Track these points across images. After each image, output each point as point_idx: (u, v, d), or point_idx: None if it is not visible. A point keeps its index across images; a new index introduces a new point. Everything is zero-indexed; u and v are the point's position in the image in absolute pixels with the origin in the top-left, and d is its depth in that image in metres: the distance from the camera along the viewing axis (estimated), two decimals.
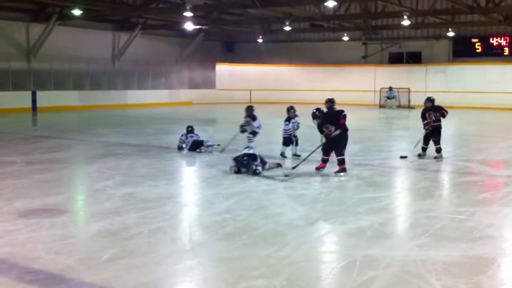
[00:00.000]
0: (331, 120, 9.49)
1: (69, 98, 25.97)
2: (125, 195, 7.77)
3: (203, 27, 30.01)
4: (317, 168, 9.60)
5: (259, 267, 4.91)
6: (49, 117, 22.31)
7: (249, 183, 8.58)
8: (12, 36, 25.21)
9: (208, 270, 4.95)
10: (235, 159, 9.44)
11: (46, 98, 24.82)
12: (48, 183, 8.70)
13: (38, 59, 25.61)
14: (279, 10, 25.14)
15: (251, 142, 11.54)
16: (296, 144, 11.21)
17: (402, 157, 11.40)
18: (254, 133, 11.70)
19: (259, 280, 4.61)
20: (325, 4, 21.89)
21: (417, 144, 11.58)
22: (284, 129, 11.22)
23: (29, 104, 24.27)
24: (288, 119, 11.30)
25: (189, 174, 10.66)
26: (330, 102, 10.07)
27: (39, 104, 24.49)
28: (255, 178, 8.87)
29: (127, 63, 29.68)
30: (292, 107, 11.45)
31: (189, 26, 26.34)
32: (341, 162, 9.45)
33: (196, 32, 31.74)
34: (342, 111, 9.67)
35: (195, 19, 25.88)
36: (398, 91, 30.18)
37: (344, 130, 9.52)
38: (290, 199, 7.79)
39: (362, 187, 8.68)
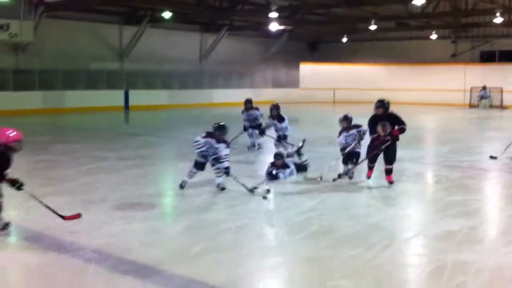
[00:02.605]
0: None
1: (159, 97, 26.90)
2: (213, 192, 7.98)
3: (288, 27, 30.12)
4: (369, 177, 8.55)
5: (345, 268, 4.90)
6: (140, 115, 23.24)
7: (333, 182, 8.52)
8: (106, 39, 26.53)
9: (294, 268, 5.00)
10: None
11: (137, 97, 25.89)
12: (139, 178, 9.10)
13: (130, 60, 26.81)
14: (365, 9, 24.78)
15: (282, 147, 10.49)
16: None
17: (491, 157, 10.94)
18: (284, 137, 10.68)
19: (345, 280, 4.61)
20: (413, 2, 21.34)
21: (508, 146, 11.05)
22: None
23: (121, 103, 25.43)
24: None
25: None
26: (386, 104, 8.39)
27: (131, 102, 25.60)
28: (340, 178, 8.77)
29: (214, 63, 30.37)
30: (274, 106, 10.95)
31: (274, 26, 26.54)
32: (391, 172, 8.32)
33: (280, 32, 31.89)
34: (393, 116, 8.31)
35: (280, 20, 26.03)
36: (490, 91, 28.87)
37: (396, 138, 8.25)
38: (375, 200, 7.69)
39: (451, 189, 8.40)
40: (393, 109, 8.40)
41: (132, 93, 25.93)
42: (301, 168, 9.45)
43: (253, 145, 12.38)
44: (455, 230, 6.07)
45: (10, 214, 6.86)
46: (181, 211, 7.01)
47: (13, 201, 7.87)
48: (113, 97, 25.22)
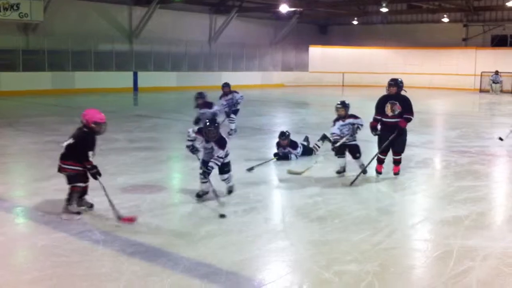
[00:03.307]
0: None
1: (168, 79, 26.90)
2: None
3: (298, 9, 29.89)
4: (379, 172, 8.02)
5: (352, 252, 4.91)
6: (149, 97, 23.24)
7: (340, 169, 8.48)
8: (116, 19, 26.48)
9: (300, 252, 5.01)
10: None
11: (146, 78, 25.89)
12: (148, 160, 9.13)
13: (139, 41, 26.75)
14: None
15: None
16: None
17: (500, 139, 10.95)
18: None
19: (352, 264, 4.62)
20: None
21: (510, 133, 11.08)
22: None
23: (130, 84, 25.45)
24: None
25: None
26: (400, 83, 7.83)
27: (140, 84, 25.61)
28: (348, 162, 8.71)
29: (223, 45, 30.24)
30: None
31: (284, 8, 26.34)
32: (399, 163, 8.00)
33: (290, 15, 31.67)
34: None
35: (290, 2, 25.83)
36: (501, 76, 28.59)
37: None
38: (383, 185, 7.67)
39: (460, 175, 8.36)
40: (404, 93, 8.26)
41: (141, 74, 25.92)
42: (307, 151, 9.47)
43: (235, 132, 11.93)
44: (463, 215, 6.06)
45: (18, 195, 6.95)
46: (188, 194, 7.03)
47: (21, 181, 7.97)
48: (122, 79, 25.23)
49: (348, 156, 8.07)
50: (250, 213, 6.11)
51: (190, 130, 6.69)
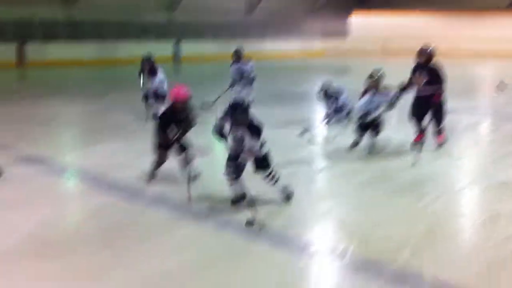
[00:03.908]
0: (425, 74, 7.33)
1: (208, 48, 26.95)
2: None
3: None
4: (417, 142, 7.41)
5: (398, 215, 4.93)
6: (189, 66, 23.34)
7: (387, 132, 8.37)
8: None
9: (346, 214, 5.05)
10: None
11: (187, 48, 25.95)
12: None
13: (180, 11, 26.78)
14: None
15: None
16: None
17: None
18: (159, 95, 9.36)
19: (398, 227, 4.63)
20: None
21: None
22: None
23: (171, 54, 25.57)
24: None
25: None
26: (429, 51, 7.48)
27: (180, 54, 25.69)
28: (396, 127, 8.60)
29: (262, 14, 30.00)
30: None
31: None
32: (441, 132, 7.54)
33: None
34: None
35: None
36: None
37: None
38: (429, 151, 7.54)
39: (506, 140, 8.19)
40: (443, 60, 7.97)
41: (182, 44, 26.00)
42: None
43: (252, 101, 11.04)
44: (509, 181, 5.97)
45: (68, 159, 7.19)
46: None
47: (71, 146, 8.23)
48: (163, 48, 25.37)
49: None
50: (295, 175, 6.15)
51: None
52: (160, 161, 5.88)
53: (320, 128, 8.81)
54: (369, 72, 7.42)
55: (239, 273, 3.78)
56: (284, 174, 6.15)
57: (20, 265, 3.92)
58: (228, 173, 5.09)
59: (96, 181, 5.95)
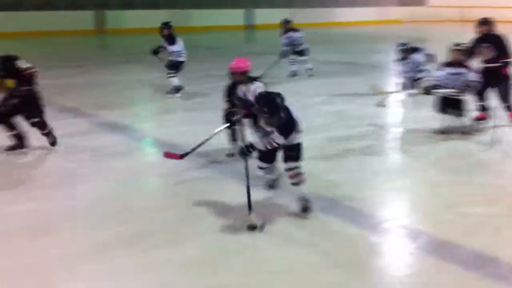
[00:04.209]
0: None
1: (282, 15, 26.59)
2: (335, 112, 7.98)
3: None
4: (480, 119, 7.01)
5: (475, 194, 4.76)
6: (264, 34, 23.25)
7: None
8: None
9: (421, 192, 4.93)
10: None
11: (260, 15, 25.87)
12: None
13: None
14: None
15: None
16: None
17: None
18: (174, 64, 9.29)
19: (476, 206, 4.48)
20: None
21: None
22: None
23: (245, 22, 25.59)
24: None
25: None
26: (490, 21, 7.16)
27: (254, 21, 25.62)
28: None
29: None
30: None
31: None
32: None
33: None
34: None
35: None
36: None
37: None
38: (506, 125, 7.19)
39: None
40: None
41: (255, 11, 25.92)
42: None
43: (294, 74, 11.13)
44: None
45: (145, 126, 7.43)
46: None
47: (147, 113, 8.49)
48: (235, 16, 25.41)
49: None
50: (367, 149, 6.06)
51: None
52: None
53: (394, 94, 8.49)
54: (449, 42, 7.05)
55: (312, 246, 3.78)
56: (353, 148, 6.11)
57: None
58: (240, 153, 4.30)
59: (172, 148, 6.10)
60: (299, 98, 8.75)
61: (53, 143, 6.14)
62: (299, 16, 26.77)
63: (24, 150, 6.02)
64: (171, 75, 9.30)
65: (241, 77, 5.29)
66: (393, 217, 4.33)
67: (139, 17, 23.03)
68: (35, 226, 4.14)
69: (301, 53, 11.06)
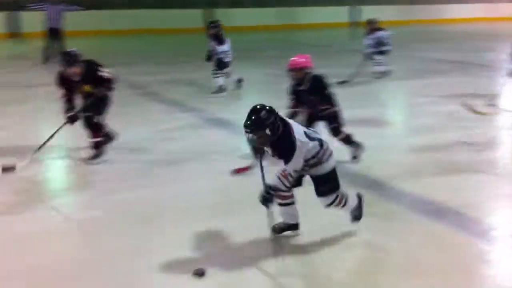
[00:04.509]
0: None
1: (388, 12, 25.65)
2: (439, 112, 7.78)
3: None
4: None
5: None
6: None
7: None
8: None
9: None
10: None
11: (365, 12, 25.39)
12: (364, 95, 9.23)
13: None
14: None
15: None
16: None
17: None
18: (223, 64, 9.11)
19: None
20: None
21: None
22: None
23: (348, 19, 25.29)
24: None
25: None
26: None
27: (358, 18, 25.11)
28: None
29: None
30: None
31: None
32: None
33: None
34: None
35: None
36: None
37: None
38: None
39: None
40: None
41: (361, 8, 25.46)
42: None
43: (381, 73, 10.59)
44: None
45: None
46: (410, 130, 7.00)
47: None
48: (342, 13, 25.18)
49: None
50: (479, 151, 5.88)
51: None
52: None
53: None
54: None
55: (417, 252, 3.74)
56: (462, 153, 5.89)
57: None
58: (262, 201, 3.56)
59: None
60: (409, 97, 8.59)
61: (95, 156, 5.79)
62: (405, 13, 26.24)
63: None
64: (218, 75, 9.22)
65: (300, 74, 5.22)
66: (503, 224, 4.19)
67: (247, 15, 23.54)
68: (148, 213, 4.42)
69: (383, 53, 10.49)
